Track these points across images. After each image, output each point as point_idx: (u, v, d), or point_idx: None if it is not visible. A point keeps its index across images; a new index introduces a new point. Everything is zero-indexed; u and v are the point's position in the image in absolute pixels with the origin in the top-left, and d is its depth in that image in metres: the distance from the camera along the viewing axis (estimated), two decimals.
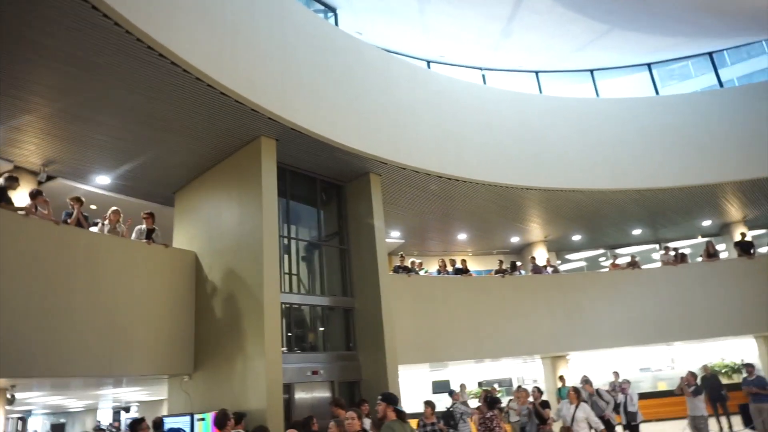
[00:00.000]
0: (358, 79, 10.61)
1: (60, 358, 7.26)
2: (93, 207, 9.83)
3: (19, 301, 6.86)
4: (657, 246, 18.76)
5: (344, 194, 11.37)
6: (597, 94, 16.87)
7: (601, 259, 19.74)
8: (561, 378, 12.09)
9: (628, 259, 15.98)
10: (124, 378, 9.72)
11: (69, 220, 8.12)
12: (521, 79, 16.78)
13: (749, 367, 10.21)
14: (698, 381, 9.67)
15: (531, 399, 9.63)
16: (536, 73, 16.91)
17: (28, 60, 6.67)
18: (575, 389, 8.15)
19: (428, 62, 15.46)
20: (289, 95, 8.80)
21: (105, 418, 26.41)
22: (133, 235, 9.17)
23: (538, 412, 9.00)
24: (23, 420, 22.70)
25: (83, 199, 8.50)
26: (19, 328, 6.77)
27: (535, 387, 9.69)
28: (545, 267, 15.84)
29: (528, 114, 13.80)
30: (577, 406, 7.76)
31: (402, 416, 4.97)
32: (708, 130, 14.30)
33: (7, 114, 7.75)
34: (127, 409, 24.66)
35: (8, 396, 8.91)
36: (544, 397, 10.50)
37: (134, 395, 17.63)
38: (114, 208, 8.90)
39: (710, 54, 17.03)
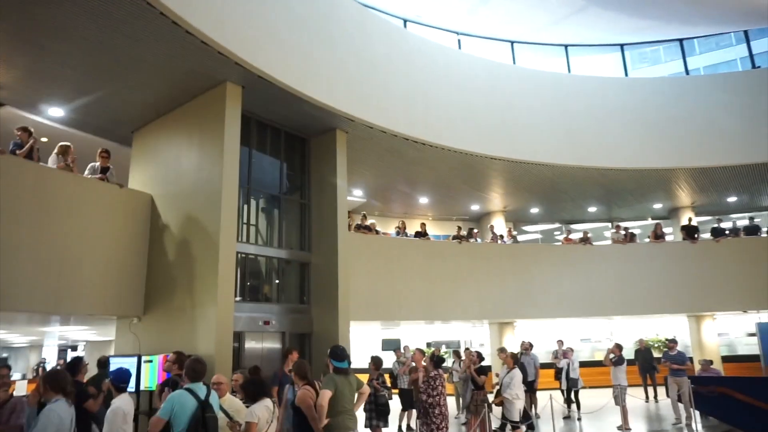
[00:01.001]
0: (332, 32, 10.34)
1: (3, 292, 7.06)
2: (44, 140, 9.38)
3: None
4: (609, 224, 19.45)
5: (309, 148, 11.25)
6: (569, 70, 17.00)
7: (556, 233, 20.35)
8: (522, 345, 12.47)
9: (581, 234, 16.51)
10: (71, 316, 9.55)
11: (18, 151, 7.74)
12: (496, 47, 16.70)
13: (671, 342, 10.88)
14: (623, 353, 10.25)
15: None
16: (511, 43, 16.85)
17: None
18: (512, 354, 8.36)
19: (405, 21, 15.16)
20: (259, 41, 8.52)
21: (50, 355, 26.05)
22: (86, 172, 8.84)
23: (473, 378, 8.90)
24: None
25: (32, 129, 8.10)
26: None
27: (474, 351, 9.58)
28: (504, 237, 16.22)
29: (499, 83, 13.83)
30: (508, 372, 7.99)
31: (339, 371, 5.01)
32: (669, 115, 14.70)
33: None
34: (74, 348, 24.39)
35: None
36: (488, 362, 10.91)
37: (81, 334, 17.39)
38: (65, 143, 8.52)
39: (680, 41, 17.32)
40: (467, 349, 12.82)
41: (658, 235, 16.14)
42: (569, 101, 14.47)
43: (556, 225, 20.27)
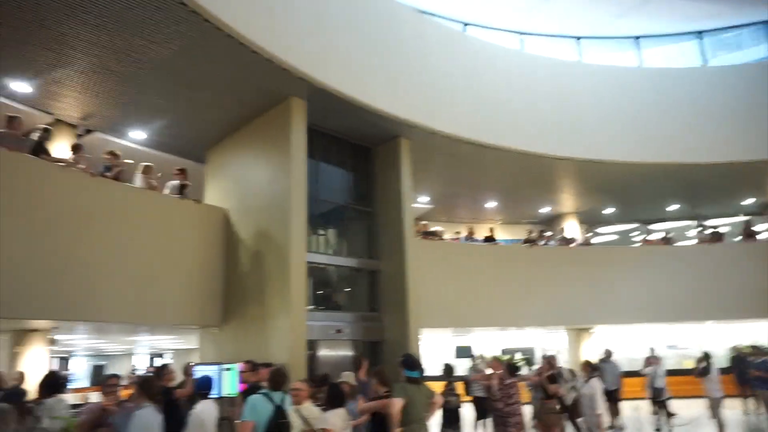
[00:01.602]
0: (391, 41, 10.42)
1: (97, 305, 7.62)
2: (129, 161, 10.06)
3: (60, 249, 7.18)
4: (693, 223, 18.21)
5: (373, 157, 11.36)
6: (641, 63, 16.16)
7: (633, 233, 19.30)
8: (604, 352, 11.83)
9: (662, 235, 15.56)
10: (157, 326, 10.14)
11: (107, 174, 8.33)
12: (561, 45, 16.18)
13: (756, 350, 9.95)
14: (715, 361, 9.48)
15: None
16: (577, 38, 16.26)
17: (66, 15, 6.76)
18: (587, 362, 7.83)
19: (464, 24, 15.02)
20: (320, 55, 8.73)
21: (140, 362, 27.78)
22: (166, 191, 9.38)
23: (543, 386, 8.10)
24: (65, 360, 24.07)
25: (119, 153, 8.71)
26: (60, 275, 7.12)
27: (548, 356, 8.91)
28: (576, 240, 15.59)
29: (566, 81, 13.37)
30: (586, 382, 7.45)
31: (411, 381, 4.98)
32: (757, 103, 13.58)
33: (47, 67, 7.93)
34: (160, 356, 25.87)
35: (49, 337, 9.44)
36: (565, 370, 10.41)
37: (168, 343, 18.44)
38: (147, 163, 9.10)
39: (766, 23, 16.01)
40: (544, 356, 12.27)
41: (749, 234, 14.92)
42: (642, 95, 13.73)
43: (634, 225, 19.23)
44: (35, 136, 7.59)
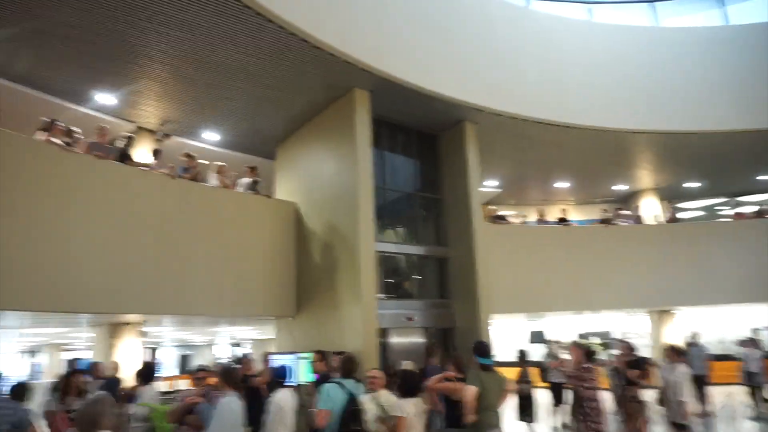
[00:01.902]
0: (452, 23, 10.23)
1: (182, 299, 8.13)
2: (204, 162, 10.57)
3: (147, 247, 7.72)
4: None
5: (439, 144, 11.26)
6: (727, 21, 14.84)
7: (719, 208, 17.97)
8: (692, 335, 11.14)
9: (754, 208, 14.37)
10: (236, 318, 10.65)
11: (185, 175, 8.80)
12: (634, 10, 15.18)
13: None
14: None
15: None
16: (652, 1, 15.19)
17: (144, 28, 7.17)
18: (672, 346, 7.33)
19: None
20: (381, 45, 8.72)
21: (222, 352, 29.35)
22: (240, 189, 9.79)
23: (623, 372, 7.58)
24: (154, 351, 25.92)
25: (195, 155, 9.17)
26: (148, 272, 7.65)
27: (625, 340, 8.33)
28: (652, 217, 14.76)
29: (641, 49, 12.57)
30: (672, 368, 7.00)
31: (484, 368, 4.98)
32: None
33: (127, 78, 8.48)
34: (240, 345, 27.22)
35: (141, 330, 10.17)
36: (646, 354, 9.95)
37: (247, 333, 19.35)
38: (220, 162, 9.52)
39: None
40: (627, 339, 11.71)
41: None
42: (729, 56, 12.64)
43: (721, 199, 17.89)
44: (120, 143, 8.15)
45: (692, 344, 10.89)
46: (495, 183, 15.15)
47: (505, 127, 11.01)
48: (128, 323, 9.58)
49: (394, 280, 10.22)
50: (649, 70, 12.34)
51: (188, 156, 9.04)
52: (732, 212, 15.39)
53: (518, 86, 10.74)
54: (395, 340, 9.37)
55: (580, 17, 14.04)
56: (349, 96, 9.12)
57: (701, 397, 10.79)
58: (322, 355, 7.20)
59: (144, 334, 11.05)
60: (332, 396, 4.43)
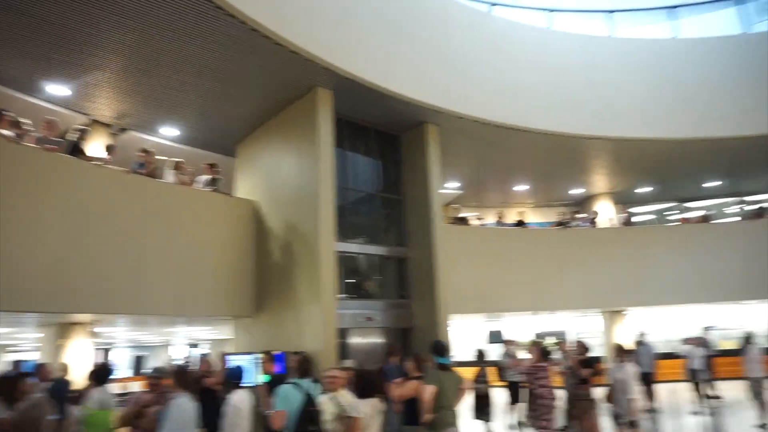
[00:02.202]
0: (415, 26, 10.32)
1: (136, 298, 7.91)
2: (162, 158, 10.31)
3: (98, 244, 7.47)
4: (733, 199, 17.57)
5: (401, 144, 11.32)
6: (676, 34, 15.53)
7: (669, 213, 18.75)
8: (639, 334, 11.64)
9: (699, 213, 15.07)
10: (193, 318, 10.44)
11: (141, 171, 8.56)
12: (592, 20, 15.66)
13: None
14: (751, 342, 9.24)
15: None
16: (609, 12, 15.70)
17: (99, 18, 6.94)
18: (619, 346, 7.60)
19: (491, 4, 14.70)
20: (344, 44, 8.72)
21: (178, 353, 28.67)
22: (198, 185, 9.59)
23: (575, 371, 7.79)
24: (107, 351, 25.04)
25: (153, 150, 8.93)
26: (100, 270, 7.40)
27: (579, 341, 8.52)
28: (607, 220, 15.27)
29: (597, 58, 12.99)
30: (619, 367, 7.24)
31: (442, 367, 5.06)
32: None
33: (81, 70, 8.18)
34: (197, 346, 26.67)
35: (91, 330, 9.83)
36: (598, 353, 10.27)
37: (204, 334, 18.97)
38: (178, 159, 9.31)
39: None
40: (578, 341, 12.11)
41: None
42: (679, 68, 13.22)
43: (670, 204, 18.67)
44: (72, 137, 7.85)
45: (640, 343, 11.32)
46: (456, 184, 15.34)
47: (466, 129, 11.18)
48: (78, 323, 9.25)
49: (354, 280, 10.22)
50: (604, 78, 12.76)
51: (144, 151, 8.80)
52: (680, 217, 16.06)
53: (478, 90, 10.92)
54: (355, 340, 9.38)
55: (539, 24, 14.38)
56: (312, 94, 9.07)
57: (649, 394, 11.25)
58: (270, 356, 7.13)
59: (96, 334, 10.70)
60: (288, 397, 4.41)
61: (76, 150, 7.65)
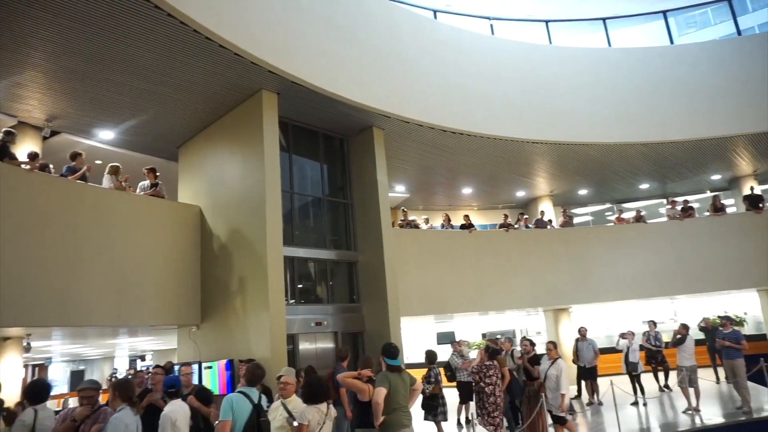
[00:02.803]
0: (361, 31, 10.37)
1: (72, 309, 7.50)
2: (98, 162, 9.87)
3: (29, 253, 7.04)
4: (665, 200, 18.64)
5: (347, 148, 11.33)
6: (609, 44, 16.36)
7: (607, 213, 19.68)
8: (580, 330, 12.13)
9: (634, 213, 15.89)
10: (136, 328, 10.03)
11: (71, 176, 8.14)
12: (531, 28, 16.28)
13: (725, 320, 10.31)
14: (690, 333, 9.86)
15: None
16: (546, 22, 16.37)
17: (27, 14, 6.56)
18: (552, 343, 7.89)
19: (434, 12, 15.00)
20: (289, 48, 8.64)
21: (121, 365, 27.46)
22: (137, 191, 9.24)
23: (526, 368, 8.29)
24: (44, 367, 23.62)
25: (83, 153, 8.53)
26: (31, 280, 6.98)
27: (526, 339, 8.99)
28: (551, 222, 15.82)
29: (537, 65, 13.48)
30: (552, 363, 7.51)
31: (392, 369, 5.09)
32: (722, 80, 13.90)
33: (8, 69, 7.71)
34: (142, 358, 25.59)
35: (24, 344, 9.26)
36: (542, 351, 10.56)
37: (147, 345, 18.24)
38: (114, 163, 8.92)
39: (729, 0, 16.33)
40: (524, 337, 12.50)
41: (717, 208, 15.27)
42: (612, 76, 13.93)
43: (607, 205, 19.59)
44: None
45: (581, 339, 11.79)
46: (403, 188, 15.49)
47: (412, 133, 11.32)
48: (8, 338, 8.69)
49: (303, 285, 10.13)
50: (544, 85, 13.25)
51: (76, 155, 8.38)
52: (614, 218, 16.84)
53: (424, 94, 11.08)
54: (304, 345, 9.27)
55: (482, 32, 14.78)
56: (257, 98, 8.94)
57: (591, 388, 11.73)
58: (189, 366, 6.95)
59: (29, 349, 10.09)
60: (236, 407, 4.21)
61: (3, 153, 7.20)
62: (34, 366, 21.96)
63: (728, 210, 16.19)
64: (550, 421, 7.70)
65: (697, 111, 13.60)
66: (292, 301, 9.30)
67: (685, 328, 9.96)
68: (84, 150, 8.82)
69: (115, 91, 8.64)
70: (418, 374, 8.96)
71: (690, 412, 9.36)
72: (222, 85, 8.70)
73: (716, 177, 17.20)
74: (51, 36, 7.06)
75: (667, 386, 11.95)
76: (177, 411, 4.57)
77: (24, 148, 8.66)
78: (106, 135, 10.14)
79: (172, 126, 10.03)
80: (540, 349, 8.81)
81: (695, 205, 16.29)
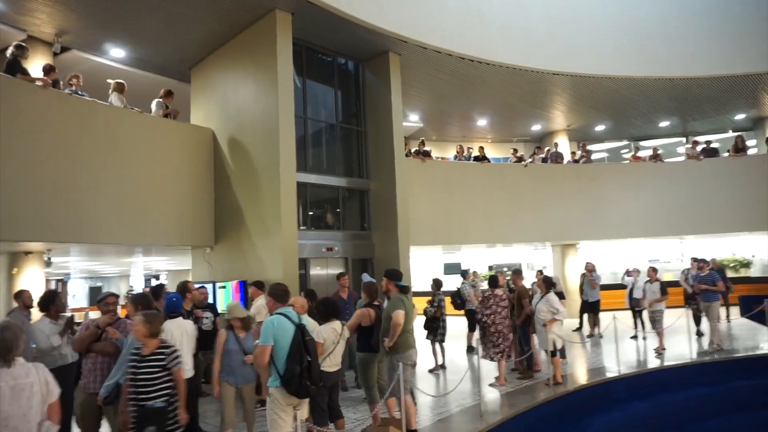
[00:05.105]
0: None
1: (90, 227, 7.69)
2: (109, 81, 9.73)
3: (45, 171, 7.13)
4: (684, 139, 18.22)
5: (362, 74, 11.05)
6: None
7: (623, 151, 19.32)
8: (586, 266, 12.21)
9: (651, 151, 15.60)
10: (151, 247, 10.27)
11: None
12: None
13: (702, 262, 10.30)
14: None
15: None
16: None
17: None
18: (544, 278, 7.96)
19: None
20: None
21: (137, 283, 28.49)
22: (153, 108, 9.16)
23: (519, 301, 8.31)
24: (63, 282, 24.54)
25: (80, 75, 8.40)
26: (48, 198, 7.12)
27: (516, 270, 8.97)
28: (564, 157, 15.62)
29: None
30: (542, 296, 7.64)
31: (404, 290, 5.24)
32: (753, 15, 13.11)
33: None
34: (157, 277, 26.46)
35: (45, 259, 9.57)
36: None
37: (162, 264, 18.79)
38: (118, 80, 8.78)
39: None
40: (540, 271, 12.41)
41: (739, 149, 14.93)
42: (637, 6, 13.20)
43: (624, 142, 19.20)
44: (8, 53, 7.27)
45: (587, 274, 11.96)
46: (416, 117, 15.24)
47: (429, 60, 10.98)
48: (31, 252, 8.97)
49: (315, 211, 10.23)
50: (567, 15, 12.63)
51: (74, 77, 8.26)
52: (630, 155, 16.56)
53: (442, 20, 10.64)
54: (315, 270, 9.50)
55: None
56: (270, 17, 8.63)
57: (593, 321, 12.05)
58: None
59: (49, 264, 10.44)
60: (281, 326, 3.97)
61: (14, 68, 7.11)
62: (57, 281, 22.78)
63: (751, 151, 15.82)
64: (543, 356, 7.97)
65: (726, 46, 12.96)
66: (304, 227, 9.43)
67: (654, 271, 10.15)
68: (94, 68, 8.67)
69: (126, 8, 8.37)
70: (424, 301, 9.29)
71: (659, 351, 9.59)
72: (235, 2, 8.37)
73: (740, 116, 16.70)
74: None
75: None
76: (176, 327, 4.67)
77: (35, 64, 8.55)
78: (117, 53, 9.94)
79: (184, 45, 9.78)
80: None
81: (717, 145, 15.92)
